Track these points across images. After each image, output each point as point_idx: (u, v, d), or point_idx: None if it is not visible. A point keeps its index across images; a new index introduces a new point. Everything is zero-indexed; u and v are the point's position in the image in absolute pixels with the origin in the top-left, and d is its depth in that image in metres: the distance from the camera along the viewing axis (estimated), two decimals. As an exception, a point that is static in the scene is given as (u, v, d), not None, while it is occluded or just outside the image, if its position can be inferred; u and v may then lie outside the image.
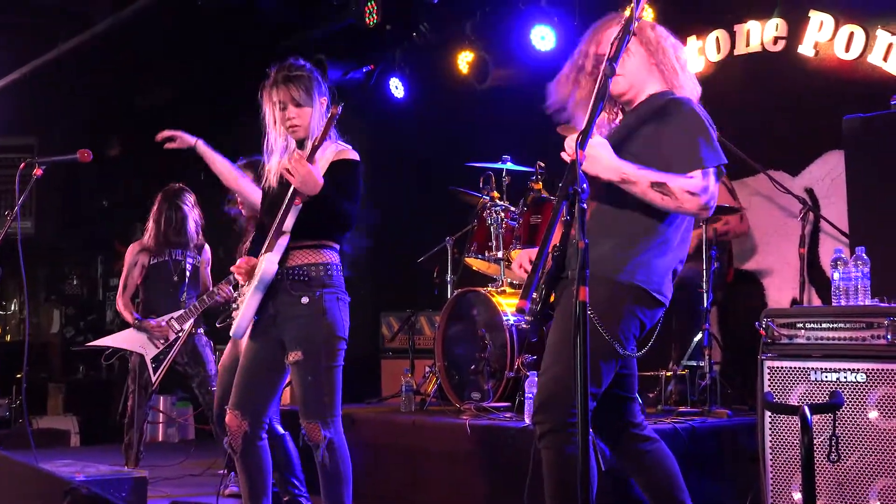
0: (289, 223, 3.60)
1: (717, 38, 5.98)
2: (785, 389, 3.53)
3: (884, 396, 3.31)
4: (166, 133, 4.09)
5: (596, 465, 3.18)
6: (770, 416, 3.55)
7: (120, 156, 9.80)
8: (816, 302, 5.34)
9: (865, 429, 3.33)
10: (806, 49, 5.57)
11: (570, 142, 2.87)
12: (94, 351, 6.01)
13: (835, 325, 3.48)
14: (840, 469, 3.34)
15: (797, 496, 3.44)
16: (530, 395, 4.21)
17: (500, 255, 5.42)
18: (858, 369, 3.37)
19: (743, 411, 4.75)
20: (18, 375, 8.20)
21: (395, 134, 8.07)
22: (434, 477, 4.70)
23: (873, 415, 3.33)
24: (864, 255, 3.57)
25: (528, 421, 4.28)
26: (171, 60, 8.59)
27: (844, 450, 3.34)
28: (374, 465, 4.95)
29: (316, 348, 3.59)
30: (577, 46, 3.21)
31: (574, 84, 3.11)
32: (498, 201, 5.50)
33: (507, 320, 5.06)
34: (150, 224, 5.87)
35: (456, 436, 4.59)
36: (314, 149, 3.52)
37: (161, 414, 8.65)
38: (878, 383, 3.33)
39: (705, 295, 4.84)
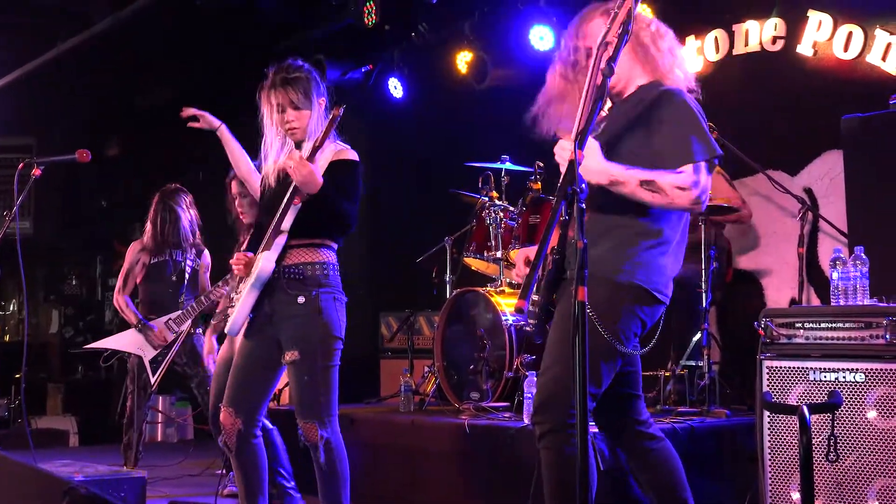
0: (287, 222, 3.60)
1: (716, 37, 5.98)
2: (784, 389, 3.53)
3: (882, 396, 3.31)
4: (192, 111, 4.09)
5: (595, 465, 3.18)
6: (769, 416, 3.54)
7: (119, 156, 9.81)
8: (815, 302, 5.34)
9: (864, 428, 3.33)
10: (805, 49, 5.57)
11: (559, 147, 2.86)
12: (92, 352, 6.02)
13: (833, 325, 3.48)
14: (839, 469, 3.34)
15: (796, 496, 3.44)
16: (529, 395, 4.21)
17: (498, 254, 5.42)
18: (857, 369, 3.37)
19: (742, 411, 4.75)
20: (17, 375, 8.20)
21: (394, 134, 8.07)
22: (433, 477, 4.70)
23: (872, 414, 3.33)
24: (862, 254, 3.57)
25: (527, 421, 4.29)
26: (171, 60, 8.59)
27: (843, 449, 3.33)
28: (373, 465, 4.95)
29: (312, 348, 3.59)
30: (563, 42, 3.20)
31: (570, 81, 3.10)
32: (497, 201, 5.51)
33: (506, 320, 5.06)
34: (148, 225, 5.89)
35: (455, 436, 4.59)
36: (315, 149, 3.52)
37: (160, 414, 8.65)
38: (877, 383, 3.33)
39: (704, 295, 4.85)
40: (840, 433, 3.33)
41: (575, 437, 2.68)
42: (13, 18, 8.03)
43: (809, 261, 5.40)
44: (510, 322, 5.05)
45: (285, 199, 3.57)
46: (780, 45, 5.70)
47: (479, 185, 5.67)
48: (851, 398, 3.36)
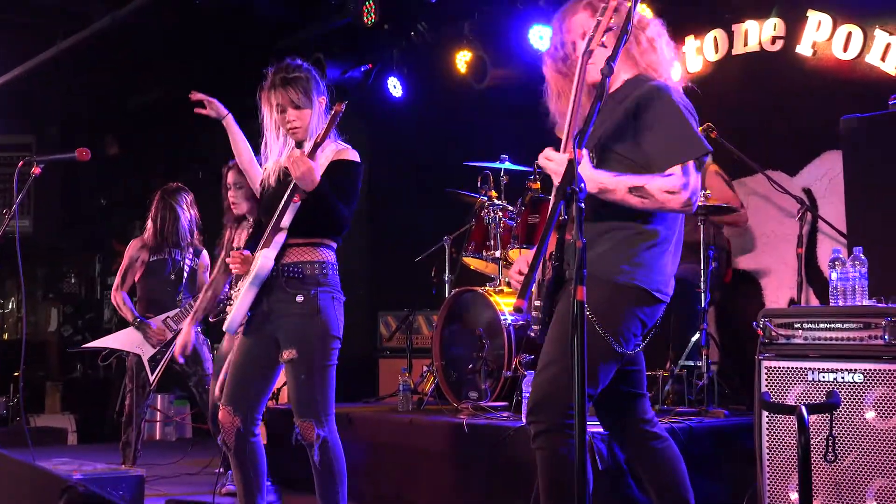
0: (286, 220, 3.60)
1: (716, 37, 5.98)
2: (782, 389, 3.53)
3: (881, 397, 3.31)
4: (200, 96, 4.07)
5: (591, 465, 3.17)
6: (767, 416, 3.55)
7: (118, 154, 9.79)
8: (814, 302, 5.34)
9: (862, 429, 3.33)
10: (804, 49, 5.57)
11: (543, 157, 2.84)
12: (91, 350, 6.02)
13: (832, 326, 3.48)
14: (837, 469, 3.35)
15: (794, 496, 3.44)
16: (528, 395, 4.21)
17: (497, 254, 5.42)
18: (856, 369, 3.37)
19: (740, 411, 4.75)
20: (16, 374, 8.19)
21: (394, 133, 8.08)
22: (431, 476, 4.70)
23: (870, 415, 3.33)
24: (861, 255, 3.57)
25: (524, 420, 4.28)
26: (170, 60, 8.59)
27: (841, 450, 3.34)
28: (371, 464, 4.95)
29: (310, 347, 3.58)
30: (550, 39, 3.18)
31: (564, 75, 3.09)
32: (496, 201, 5.51)
33: (504, 320, 5.06)
34: (149, 222, 5.90)
35: (453, 435, 4.59)
36: (316, 146, 3.51)
37: (158, 412, 8.65)
38: (876, 383, 3.33)
39: (703, 295, 4.84)
40: (838, 433, 3.33)
41: (571, 437, 2.68)
42: (12, 17, 8.03)
43: (808, 261, 5.41)
44: (509, 321, 5.05)
45: (285, 197, 3.57)
46: (779, 45, 5.70)
47: (479, 185, 5.67)
48: (850, 399, 3.36)
